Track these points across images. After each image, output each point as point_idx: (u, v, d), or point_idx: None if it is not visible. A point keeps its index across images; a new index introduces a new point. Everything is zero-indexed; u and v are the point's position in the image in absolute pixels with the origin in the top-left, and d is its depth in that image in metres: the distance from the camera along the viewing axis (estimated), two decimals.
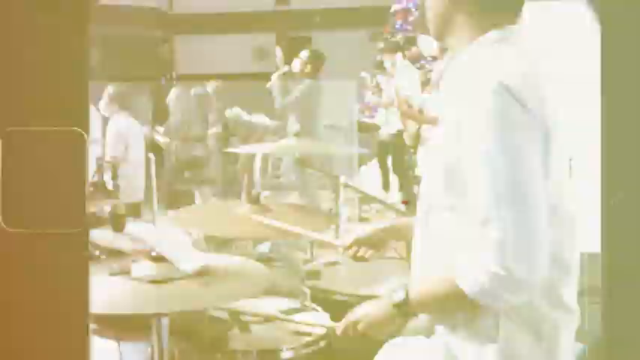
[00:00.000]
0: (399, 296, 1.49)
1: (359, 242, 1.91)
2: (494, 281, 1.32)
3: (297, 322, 1.92)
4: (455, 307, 1.44)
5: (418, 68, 6.44)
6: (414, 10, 8.80)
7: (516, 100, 1.34)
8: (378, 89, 7.16)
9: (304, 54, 5.82)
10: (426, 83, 6.26)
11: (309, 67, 5.77)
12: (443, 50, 3.75)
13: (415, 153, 3.96)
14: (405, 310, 1.49)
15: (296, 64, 5.81)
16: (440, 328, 1.50)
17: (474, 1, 1.48)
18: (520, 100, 1.34)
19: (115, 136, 5.33)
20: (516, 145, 1.34)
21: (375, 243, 1.91)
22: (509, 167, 1.33)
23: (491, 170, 1.33)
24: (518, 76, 1.37)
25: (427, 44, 4.14)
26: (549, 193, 1.38)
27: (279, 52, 6.00)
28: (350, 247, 1.91)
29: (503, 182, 1.32)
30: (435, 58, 4.18)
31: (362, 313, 1.57)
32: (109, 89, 5.49)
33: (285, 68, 5.88)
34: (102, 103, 5.46)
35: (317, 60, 5.84)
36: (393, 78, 6.46)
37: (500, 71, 1.37)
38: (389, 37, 8.61)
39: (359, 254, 1.90)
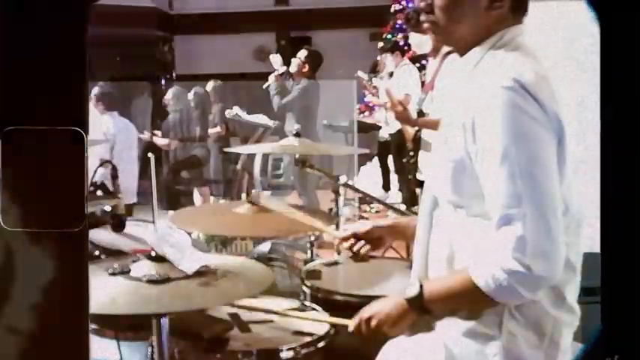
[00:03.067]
0: (413, 291, 1.49)
1: (356, 237, 1.92)
2: (512, 278, 1.33)
3: (312, 320, 1.91)
4: (469, 304, 1.44)
5: (419, 68, 6.43)
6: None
7: (532, 96, 1.33)
8: (376, 90, 7.16)
9: (302, 54, 5.83)
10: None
11: (306, 67, 5.77)
12: (436, 49, 3.70)
13: (415, 156, 3.92)
14: (418, 305, 1.48)
15: (294, 65, 5.81)
16: (442, 327, 1.50)
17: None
18: (536, 98, 1.34)
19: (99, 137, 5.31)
20: (534, 141, 1.34)
21: (372, 240, 1.91)
22: (528, 164, 1.33)
23: (510, 168, 1.33)
24: (532, 75, 1.37)
25: (419, 42, 4.08)
26: (562, 194, 1.38)
27: (277, 58, 5.99)
28: (347, 239, 1.92)
29: (521, 180, 1.32)
30: (427, 57, 4.13)
31: (375, 309, 1.57)
32: (95, 90, 5.49)
33: (282, 68, 5.88)
34: (89, 105, 5.45)
35: (315, 60, 5.84)
36: (391, 78, 6.45)
37: (513, 69, 1.37)
38: (389, 37, 8.60)
39: (355, 248, 1.90)
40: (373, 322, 1.55)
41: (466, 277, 1.39)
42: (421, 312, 1.50)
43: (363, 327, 1.58)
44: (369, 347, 1.62)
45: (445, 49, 3.66)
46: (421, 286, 1.48)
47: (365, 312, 1.59)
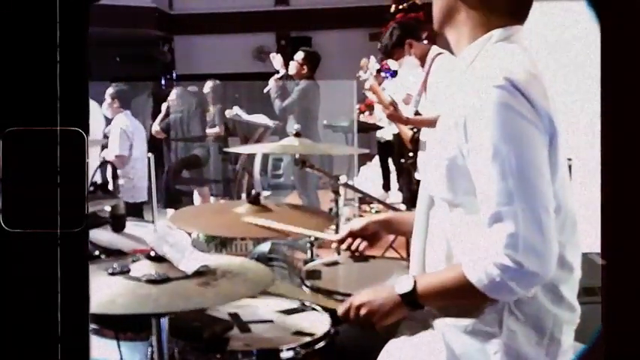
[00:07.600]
0: (407, 287, 1.49)
1: (353, 235, 1.94)
2: (505, 274, 1.33)
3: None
4: (462, 299, 1.44)
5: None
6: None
7: (523, 95, 1.34)
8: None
9: (299, 56, 5.84)
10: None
11: (305, 68, 5.78)
12: (423, 58, 3.90)
13: (415, 157, 3.96)
14: (411, 300, 1.48)
15: (292, 67, 5.83)
16: (442, 325, 1.50)
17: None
18: (527, 96, 1.34)
19: (120, 135, 5.36)
20: (524, 139, 1.34)
21: (369, 236, 1.93)
22: (518, 162, 1.33)
23: (500, 166, 1.33)
24: (523, 74, 1.38)
25: (409, 66, 4.17)
26: (555, 193, 1.38)
27: (278, 57, 6.00)
28: (343, 240, 1.94)
29: (512, 177, 1.33)
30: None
31: (367, 298, 1.56)
32: (110, 90, 5.51)
33: (282, 71, 5.89)
34: (104, 104, 5.49)
35: (313, 61, 5.85)
36: (395, 77, 6.45)
37: (504, 68, 1.38)
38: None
39: (353, 247, 1.93)
40: (363, 311, 1.55)
41: (459, 272, 1.40)
42: (413, 307, 1.50)
43: (352, 313, 1.57)
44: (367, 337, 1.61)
45: (432, 53, 3.81)
46: (415, 282, 1.48)
47: (356, 299, 1.58)
